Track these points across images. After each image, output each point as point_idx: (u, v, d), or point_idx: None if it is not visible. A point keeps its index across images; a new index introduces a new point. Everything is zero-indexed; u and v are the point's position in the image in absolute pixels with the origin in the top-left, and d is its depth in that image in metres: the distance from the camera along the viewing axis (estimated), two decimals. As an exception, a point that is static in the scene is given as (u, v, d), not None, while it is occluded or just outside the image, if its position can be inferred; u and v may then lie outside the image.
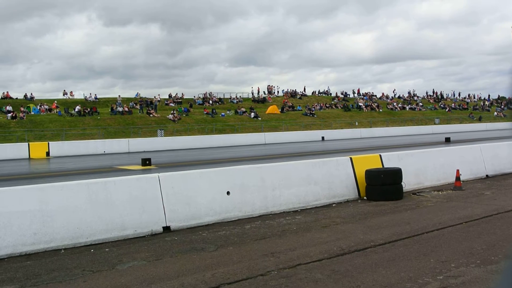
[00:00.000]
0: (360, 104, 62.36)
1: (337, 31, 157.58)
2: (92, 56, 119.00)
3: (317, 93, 67.76)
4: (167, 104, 52.51)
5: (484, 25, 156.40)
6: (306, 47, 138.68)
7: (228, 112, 52.34)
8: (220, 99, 58.23)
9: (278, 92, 64.88)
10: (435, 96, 74.99)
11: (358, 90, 69.84)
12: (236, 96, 60.02)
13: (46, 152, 29.19)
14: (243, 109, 53.04)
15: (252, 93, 62.18)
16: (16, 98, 48.04)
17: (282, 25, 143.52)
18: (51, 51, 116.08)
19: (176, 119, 46.69)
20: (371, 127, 51.50)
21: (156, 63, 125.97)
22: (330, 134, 42.92)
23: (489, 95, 78.93)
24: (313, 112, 56.02)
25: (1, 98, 47.34)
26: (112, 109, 46.27)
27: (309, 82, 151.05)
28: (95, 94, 52.24)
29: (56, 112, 44.65)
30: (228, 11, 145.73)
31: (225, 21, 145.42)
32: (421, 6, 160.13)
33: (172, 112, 47.96)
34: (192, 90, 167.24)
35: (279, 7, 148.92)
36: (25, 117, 41.30)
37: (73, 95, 52.13)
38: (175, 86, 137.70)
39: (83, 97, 51.73)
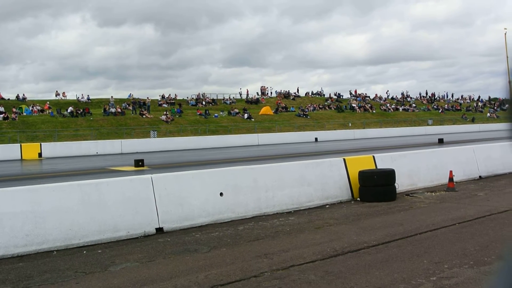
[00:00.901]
0: (353, 105, 62.50)
1: (331, 32, 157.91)
2: (86, 57, 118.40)
3: (310, 94, 67.79)
4: (160, 105, 52.36)
5: (478, 27, 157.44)
6: (300, 48, 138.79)
7: (221, 113, 52.24)
8: (213, 100, 58.06)
9: (271, 93, 64.90)
10: (428, 97, 75.29)
11: (355, 91, 69.90)
12: (229, 97, 59.95)
13: (38, 153, 29.02)
14: (236, 110, 52.95)
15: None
16: (8, 99, 47.62)
17: (276, 26, 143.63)
18: (45, 52, 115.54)
19: (169, 120, 46.53)
20: (364, 128, 51.65)
21: (150, 64, 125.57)
22: (323, 135, 43.04)
23: (479, 96, 79.37)
24: (307, 113, 56.09)
25: (-7, 99, 47.03)
26: (104, 110, 46.05)
27: (303, 83, 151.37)
28: (88, 95, 51.93)
29: (49, 113, 44.35)
30: (223, 12, 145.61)
31: (219, 21, 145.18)
32: (415, 7, 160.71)
33: (165, 113, 47.82)
34: (185, 91, 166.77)
35: (274, 8, 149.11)
36: (17, 118, 41.01)
37: (66, 96, 51.78)
38: (168, 87, 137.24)
39: (75, 98, 51.44)
